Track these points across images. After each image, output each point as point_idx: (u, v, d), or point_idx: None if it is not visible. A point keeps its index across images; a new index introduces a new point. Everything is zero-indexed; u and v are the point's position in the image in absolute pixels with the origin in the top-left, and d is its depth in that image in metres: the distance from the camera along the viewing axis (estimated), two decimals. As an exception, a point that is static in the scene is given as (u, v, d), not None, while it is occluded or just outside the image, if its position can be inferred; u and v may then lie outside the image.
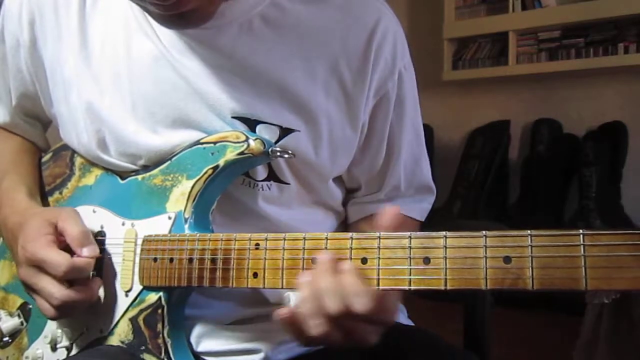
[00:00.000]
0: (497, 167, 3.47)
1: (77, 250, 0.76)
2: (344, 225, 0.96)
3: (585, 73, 3.24)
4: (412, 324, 0.94)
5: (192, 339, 0.82)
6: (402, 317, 0.95)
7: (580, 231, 0.51)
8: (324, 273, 0.61)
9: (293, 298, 0.78)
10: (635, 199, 3.11)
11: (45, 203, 0.92)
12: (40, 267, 0.75)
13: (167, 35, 0.79)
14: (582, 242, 0.51)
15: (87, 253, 0.76)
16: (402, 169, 0.90)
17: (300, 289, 0.63)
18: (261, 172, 0.81)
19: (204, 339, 0.82)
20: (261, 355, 0.81)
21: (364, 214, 0.93)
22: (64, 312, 0.76)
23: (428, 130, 3.57)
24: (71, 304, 0.75)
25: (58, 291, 0.74)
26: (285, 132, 0.79)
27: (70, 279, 0.74)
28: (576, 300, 1.85)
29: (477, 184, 3.46)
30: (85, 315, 0.79)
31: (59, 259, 0.73)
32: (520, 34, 3.43)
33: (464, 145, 3.63)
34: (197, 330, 0.82)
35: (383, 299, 0.60)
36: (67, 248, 0.76)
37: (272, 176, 0.81)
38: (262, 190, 0.81)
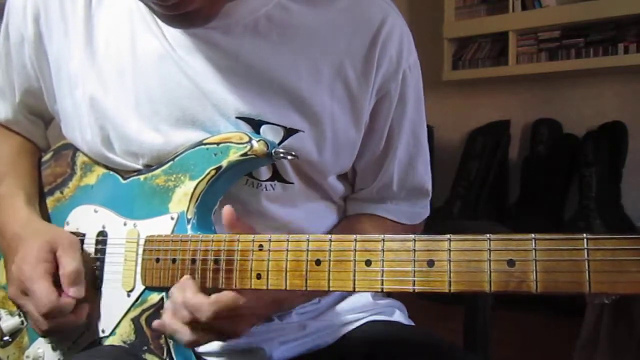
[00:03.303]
0: (497, 167, 3.47)
1: (65, 288, 0.76)
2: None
3: (585, 73, 3.24)
4: (412, 324, 0.94)
5: (193, 339, 0.82)
6: (402, 317, 0.95)
7: (584, 235, 0.51)
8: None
9: None
10: (635, 199, 3.10)
11: (44, 204, 0.92)
12: (27, 294, 0.75)
13: (173, 34, 0.79)
14: (585, 246, 0.51)
15: (73, 294, 0.76)
16: (395, 167, 0.90)
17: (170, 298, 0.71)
18: (265, 172, 0.81)
19: (205, 339, 0.82)
20: (262, 355, 0.81)
21: (360, 211, 0.93)
22: (52, 334, 0.78)
23: (428, 130, 3.55)
24: (60, 327, 0.76)
25: (42, 321, 0.75)
26: (289, 132, 0.79)
27: (50, 316, 0.74)
28: (576, 301, 1.85)
29: (477, 184, 3.45)
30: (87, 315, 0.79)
31: (44, 298, 0.74)
32: (520, 34, 3.42)
33: (464, 145, 3.63)
34: (198, 330, 0.82)
35: (230, 302, 0.66)
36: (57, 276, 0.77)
37: (276, 176, 0.82)
38: (266, 190, 0.82)
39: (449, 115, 3.69)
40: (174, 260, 0.74)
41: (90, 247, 0.84)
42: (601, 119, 3.22)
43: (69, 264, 0.77)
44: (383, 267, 0.60)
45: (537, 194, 3.34)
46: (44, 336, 0.81)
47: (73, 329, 0.79)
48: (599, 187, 3.06)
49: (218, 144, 0.77)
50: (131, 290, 0.78)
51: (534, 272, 0.53)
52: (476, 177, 3.46)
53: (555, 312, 2.65)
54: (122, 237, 0.80)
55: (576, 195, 3.18)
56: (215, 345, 0.82)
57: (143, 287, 0.77)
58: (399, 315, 0.94)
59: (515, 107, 3.55)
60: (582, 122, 3.30)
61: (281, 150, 0.75)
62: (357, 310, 0.91)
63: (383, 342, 0.85)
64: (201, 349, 0.82)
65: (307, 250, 0.64)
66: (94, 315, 0.80)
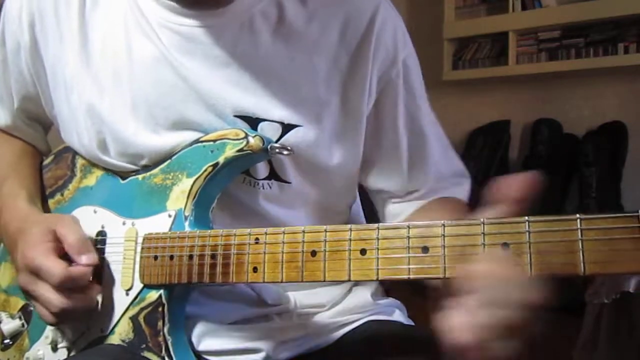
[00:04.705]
0: (497, 167, 3.47)
1: (75, 257, 0.75)
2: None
3: (585, 73, 3.23)
4: (412, 324, 0.94)
5: (193, 338, 0.82)
6: (402, 317, 0.95)
7: (577, 216, 0.51)
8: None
9: None
10: (635, 199, 3.10)
11: (46, 206, 0.92)
12: (37, 274, 0.75)
13: (167, 35, 0.79)
14: (579, 226, 0.51)
15: (86, 261, 0.75)
16: (436, 155, 0.89)
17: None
18: (262, 170, 0.81)
19: (205, 338, 0.82)
20: (262, 354, 0.81)
21: (415, 208, 0.90)
22: (62, 319, 0.77)
23: (428, 130, 3.56)
24: (70, 311, 0.75)
25: (56, 299, 0.74)
26: (287, 128, 0.79)
27: (65, 287, 0.74)
28: (576, 300, 1.85)
29: (477, 184, 3.45)
30: (86, 315, 0.79)
31: (53, 268, 0.73)
32: (520, 34, 3.42)
33: (464, 145, 3.63)
34: (198, 329, 0.82)
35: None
36: (67, 255, 0.76)
37: (273, 175, 0.82)
38: (263, 189, 0.82)
39: (449, 115, 3.67)
40: (171, 257, 0.74)
41: None
42: (601, 119, 3.22)
43: (71, 236, 0.76)
44: (378, 255, 0.60)
45: (537, 194, 3.33)
46: (54, 324, 0.79)
47: (82, 315, 0.78)
48: (599, 187, 3.05)
49: (214, 140, 0.77)
50: (130, 289, 0.78)
51: (528, 253, 0.53)
52: (476, 177, 3.46)
53: (555, 312, 2.64)
54: (120, 236, 0.81)
55: (576, 195, 3.18)
56: (215, 344, 0.82)
57: (141, 285, 0.77)
58: (399, 315, 0.94)
59: (515, 107, 3.55)
60: (582, 122, 3.30)
61: (277, 145, 0.76)
62: (356, 310, 0.91)
63: (383, 342, 0.85)
64: (200, 347, 0.81)
65: (303, 241, 0.65)
66: (93, 315, 0.80)
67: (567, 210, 3.26)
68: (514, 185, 0.55)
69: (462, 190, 0.93)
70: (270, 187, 0.82)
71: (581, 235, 0.51)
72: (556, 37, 3.31)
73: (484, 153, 3.49)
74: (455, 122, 3.69)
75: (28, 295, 0.78)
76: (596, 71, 3.20)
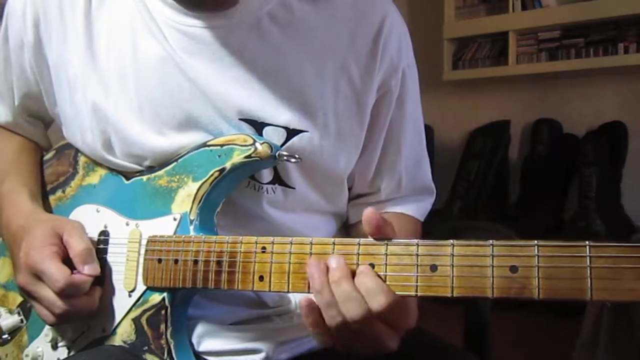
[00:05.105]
0: (497, 167, 3.47)
1: (79, 267, 0.76)
2: (345, 227, 0.96)
3: (585, 73, 3.24)
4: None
5: (194, 339, 0.81)
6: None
7: (587, 243, 0.52)
8: (342, 279, 0.61)
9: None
10: (635, 199, 3.10)
11: (46, 202, 0.92)
12: (40, 277, 0.75)
13: (174, 36, 0.79)
14: (588, 253, 0.52)
15: (88, 271, 0.76)
16: (403, 169, 0.90)
17: (312, 282, 0.63)
18: (266, 174, 0.81)
19: (206, 339, 0.82)
20: (262, 355, 0.81)
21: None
22: (63, 320, 0.77)
23: (428, 130, 3.52)
24: (73, 312, 0.75)
25: (59, 300, 0.74)
26: (292, 133, 0.79)
27: (66, 294, 0.74)
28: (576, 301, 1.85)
29: (477, 184, 3.45)
30: (87, 316, 0.79)
31: (57, 275, 0.73)
32: (520, 34, 3.42)
33: (464, 145, 3.63)
34: (199, 330, 0.82)
35: (400, 299, 0.61)
36: (69, 260, 0.77)
37: (277, 179, 0.82)
38: (267, 193, 0.82)
39: (449, 115, 3.69)
40: (176, 261, 0.74)
41: None
42: (601, 119, 3.22)
43: (77, 244, 0.77)
44: (386, 271, 0.60)
45: (537, 194, 3.33)
46: (53, 324, 0.80)
47: (84, 317, 0.79)
48: (599, 187, 3.05)
49: (222, 145, 0.77)
50: (132, 291, 0.78)
51: (537, 278, 0.53)
52: (476, 177, 3.46)
53: (555, 312, 2.64)
54: (124, 237, 0.81)
55: (576, 195, 3.18)
56: (215, 345, 0.82)
57: (144, 288, 0.77)
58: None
59: (515, 107, 3.55)
60: (582, 122, 3.30)
61: (285, 153, 0.76)
62: (358, 311, 0.91)
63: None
64: (201, 348, 0.82)
65: (310, 253, 0.65)
66: (95, 314, 0.80)
67: (567, 211, 3.27)
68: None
69: (420, 207, 0.95)
70: (274, 192, 0.82)
71: (590, 262, 0.51)
72: (556, 37, 3.31)
73: (484, 153, 3.49)
74: (455, 122, 3.70)
75: (27, 295, 0.78)
76: (596, 71, 3.20)
